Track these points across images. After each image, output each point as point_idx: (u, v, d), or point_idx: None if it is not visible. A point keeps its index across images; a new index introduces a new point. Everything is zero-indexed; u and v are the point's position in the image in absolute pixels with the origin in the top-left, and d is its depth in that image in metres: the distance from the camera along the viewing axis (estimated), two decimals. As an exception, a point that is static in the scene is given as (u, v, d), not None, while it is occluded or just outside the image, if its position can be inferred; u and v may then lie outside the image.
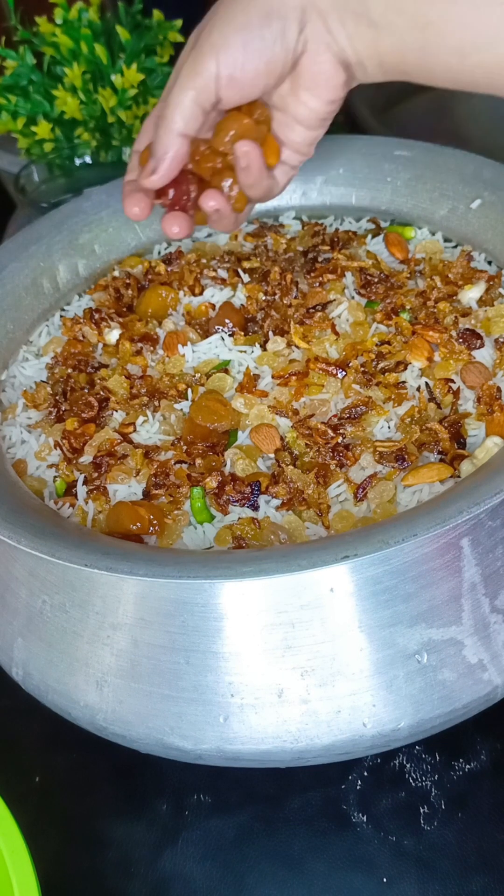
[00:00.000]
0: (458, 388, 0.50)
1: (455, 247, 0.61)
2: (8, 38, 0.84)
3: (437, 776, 0.50)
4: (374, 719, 0.42)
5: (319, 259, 0.61)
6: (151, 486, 0.47)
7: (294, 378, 0.51)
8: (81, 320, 0.59)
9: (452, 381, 0.50)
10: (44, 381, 0.56)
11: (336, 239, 0.62)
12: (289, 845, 0.49)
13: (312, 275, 0.58)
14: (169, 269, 0.62)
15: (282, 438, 0.48)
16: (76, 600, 0.44)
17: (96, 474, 0.48)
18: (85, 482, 0.48)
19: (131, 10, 0.84)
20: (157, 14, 0.83)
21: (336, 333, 0.53)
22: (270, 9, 0.43)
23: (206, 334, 0.56)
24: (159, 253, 0.67)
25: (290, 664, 0.41)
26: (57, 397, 0.54)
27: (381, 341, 0.52)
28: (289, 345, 0.53)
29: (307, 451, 0.47)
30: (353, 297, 0.56)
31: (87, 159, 0.82)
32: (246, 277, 0.60)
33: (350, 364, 0.51)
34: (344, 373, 0.50)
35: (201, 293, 0.60)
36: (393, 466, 0.45)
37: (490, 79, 0.43)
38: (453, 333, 0.52)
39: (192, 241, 0.67)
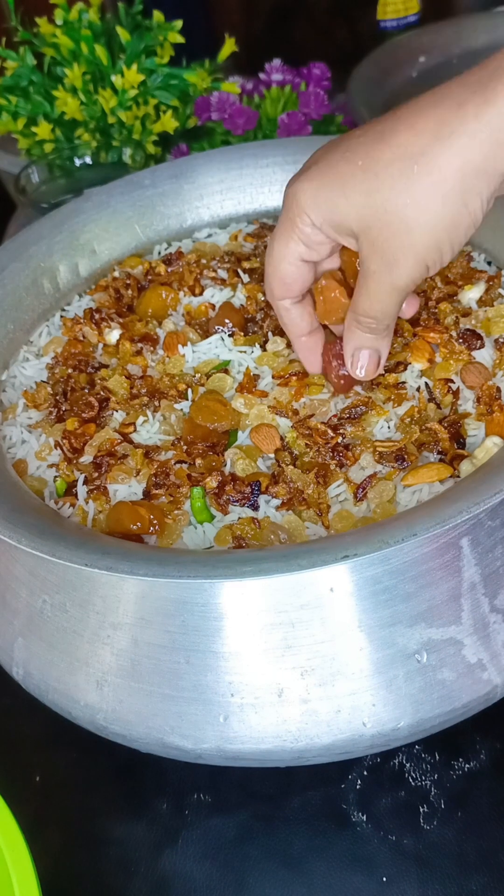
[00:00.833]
0: (458, 388, 0.50)
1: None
2: (8, 39, 0.84)
3: (436, 775, 0.50)
4: (373, 719, 0.42)
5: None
6: (152, 485, 0.47)
7: (294, 378, 0.51)
8: (82, 320, 0.59)
9: (452, 381, 0.50)
10: (44, 382, 0.56)
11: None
12: (289, 844, 0.49)
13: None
14: (169, 269, 0.62)
15: (282, 438, 0.48)
16: (76, 600, 0.45)
17: (96, 474, 0.48)
18: (85, 482, 0.48)
19: (131, 11, 0.84)
20: (157, 15, 0.83)
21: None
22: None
23: (206, 334, 0.56)
24: (159, 253, 0.67)
25: (290, 664, 0.41)
26: (57, 397, 0.54)
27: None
28: (288, 345, 0.53)
29: (307, 451, 0.47)
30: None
31: (88, 160, 0.82)
32: (246, 278, 0.60)
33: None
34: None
35: (201, 293, 0.60)
36: (393, 466, 0.46)
37: None
38: (453, 334, 0.52)
39: (192, 241, 0.67)
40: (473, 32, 1.00)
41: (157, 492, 0.47)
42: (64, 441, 0.50)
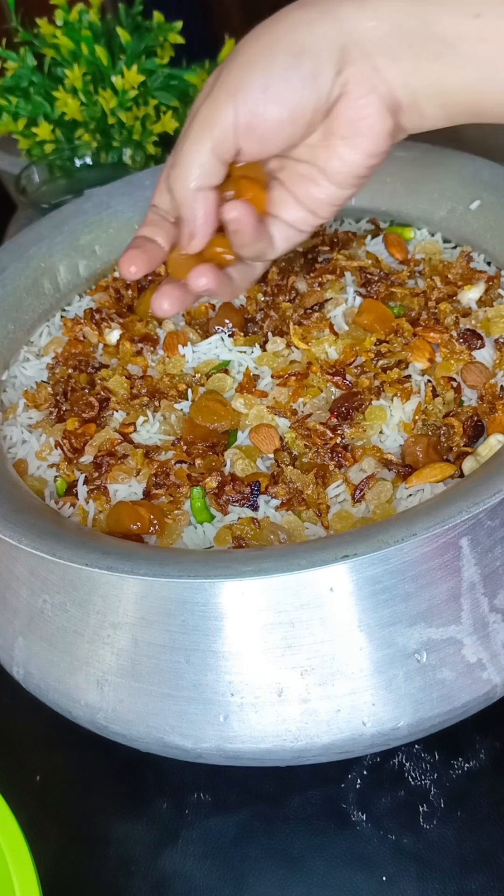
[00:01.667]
0: (459, 387, 0.50)
1: (454, 247, 0.62)
2: (9, 40, 0.84)
3: (436, 775, 0.50)
4: (373, 718, 0.42)
5: (319, 259, 0.61)
6: (152, 485, 0.47)
7: (293, 378, 0.51)
8: (82, 321, 0.59)
9: (454, 379, 0.50)
10: (44, 382, 0.56)
11: (336, 239, 0.62)
12: (289, 844, 0.49)
13: (312, 275, 0.59)
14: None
15: (281, 439, 0.48)
16: (77, 599, 0.45)
17: (97, 474, 0.48)
18: (85, 482, 0.48)
19: (131, 12, 0.84)
20: (157, 16, 0.83)
21: (335, 333, 0.53)
22: (300, 47, 0.37)
23: (206, 334, 0.56)
24: (159, 254, 0.67)
25: (290, 663, 0.42)
26: (58, 397, 0.54)
27: (379, 340, 0.52)
28: (288, 345, 0.54)
29: (306, 452, 0.47)
30: (354, 297, 0.57)
31: (88, 160, 0.82)
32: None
33: (350, 363, 0.51)
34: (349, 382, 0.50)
35: (201, 293, 0.60)
36: (399, 472, 0.46)
37: None
38: (454, 334, 0.52)
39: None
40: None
41: (157, 492, 0.47)
42: (64, 441, 0.51)
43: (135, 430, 0.51)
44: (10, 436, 0.53)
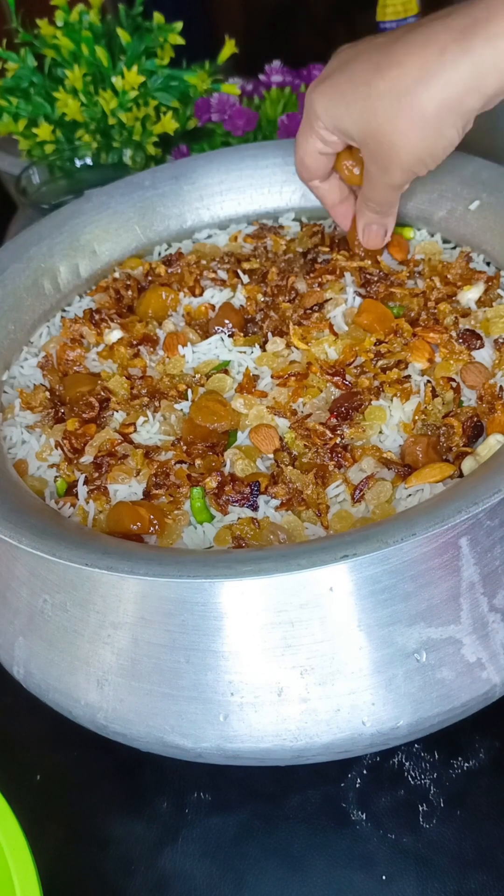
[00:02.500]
0: (458, 387, 0.50)
1: (454, 248, 0.62)
2: (9, 41, 0.84)
3: (435, 774, 0.50)
4: (373, 718, 0.42)
5: (319, 260, 0.61)
6: (152, 486, 0.47)
7: (293, 378, 0.51)
8: (80, 319, 0.59)
9: (453, 379, 0.50)
10: (42, 385, 0.56)
11: (336, 239, 0.62)
12: (288, 843, 0.49)
13: (312, 276, 0.59)
14: (169, 270, 0.62)
15: (281, 439, 0.48)
16: (77, 599, 0.45)
17: (97, 474, 0.48)
18: (86, 482, 0.48)
19: (132, 13, 0.84)
20: (157, 16, 0.83)
21: (334, 334, 0.54)
22: (445, 123, 0.46)
23: (205, 335, 0.56)
24: (160, 254, 0.67)
25: (290, 663, 0.42)
26: (55, 401, 0.54)
27: (379, 340, 0.52)
28: (288, 345, 0.54)
29: (306, 452, 0.47)
30: (354, 297, 0.57)
31: (88, 161, 0.83)
32: (245, 278, 0.60)
33: (350, 363, 0.51)
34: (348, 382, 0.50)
35: (201, 294, 0.60)
36: (398, 471, 0.46)
37: None
38: (453, 334, 0.52)
39: (192, 242, 0.67)
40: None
41: (157, 492, 0.47)
42: (64, 441, 0.51)
43: (135, 431, 0.51)
44: (10, 436, 0.53)
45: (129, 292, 0.61)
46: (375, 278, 0.57)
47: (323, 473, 0.46)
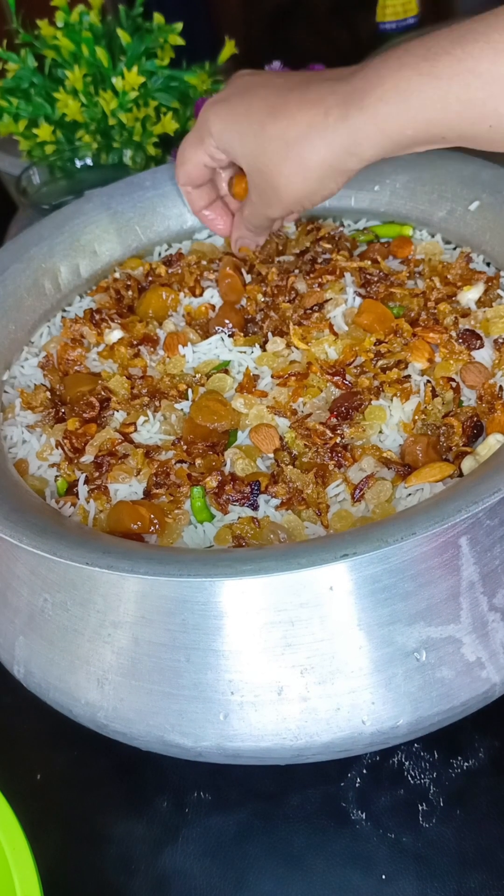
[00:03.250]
0: (458, 387, 0.50)
1: (454, 248, 0.62)
2: (10, 41, 0.84)
3: (435, 774, 0.50)
4: (373, 717, 0.42)
5: (318, 260, 0.61)
6: (152, 485, 0.47)
7: (293, 378, 0.51)
8: (80, 319, 0.59)
9: (453, 379, 0.50)
10: (43, 384, 0.56)
11: (336, 237, 0.63)
12: (288, 842, 0.49)
13: (312, 276, 0.59)
14: (170, 270, 0.63)
15: (281, 438, 0.48)
16: (77, 599, 0.45)
17: (97, 474, 0.48)
18: (86, 481, 0.48)
19: (132, 14, 0.84)
20: (157, 17, 0.84)
21: (334, 334, 0.54)
22: (323, 171, 0.50)
23: (206, 335, 0.56)
24: (160, 255, 0.67)
25: (290, 662, 0.42)
26: (55, 399, 0.54)
27: (379, 340, 0.53)
28: (288, 345, 0.54)
29: (306, 452, 0.48)
30: (354, 297, 0.57)
31: (89, 161, 0.83)
32: (248, 278, 0.60)
33: (350, 363, 0.51)
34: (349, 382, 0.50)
35: (201, 294, 0.60)
36: (398, 471, 0.46)
37: None
38: (453, 334, 0.52)
39: (192, 242, 0.68)
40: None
41: (157, 491, 0.47)
42: (65, 441, 0.51)
43: (135, 430, 0.51)
44: (10, 436, 0.53)
45: (130, 292, 0.61)
46: (375, 278, 0.57)
47: (323, 473, 0.46)
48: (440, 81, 0.44)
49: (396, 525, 0.38)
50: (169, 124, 0.83)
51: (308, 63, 0.90)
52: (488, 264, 0.59)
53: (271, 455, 0.48)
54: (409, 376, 0.50)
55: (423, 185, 0.63)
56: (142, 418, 0.51)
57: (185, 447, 0.49)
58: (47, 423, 0.53)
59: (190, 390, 0.52)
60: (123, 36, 0.80)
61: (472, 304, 0.55)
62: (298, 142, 0.49)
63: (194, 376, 0.54)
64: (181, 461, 0.48)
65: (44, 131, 0.81)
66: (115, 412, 0.52)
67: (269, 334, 0.55)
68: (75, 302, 0.63)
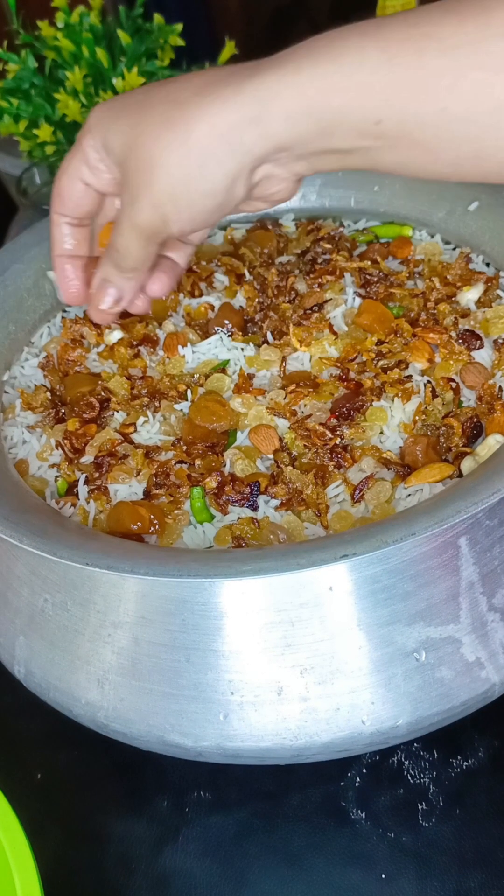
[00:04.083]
0: (458, 387, 0.50)
1: (454, 249, 0.62)
2: (10, 42, 0.84)
3: (435, 773, 0.51)
4: (372, 717, 0.42)
5: (318, 261, 0.61)
6: (152, 485, 0.47)
7: (302, 386, 0.51)
8: (81, 320, 0.59)
9: (453, 379, 0.50)
10: (43, 385, 0.56)
11: (335, 237, 0.63)
12: (288, 841, 0.49)
13: (311, 276, 0.59)
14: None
15: (280, 439, 0.48)
16: (77, 599, 0.45)
17: (97, 474, 0.49)
18: (86, 482, 0.48)
19: (132, 14, 0.84)
20: (157, 18, 0.84)
21: (334, 334, 0.54)
22: (220, 172, 0.38)
23: (205, 335, 0.57)
24: (160, 255, 0.67)
25: (290, 662, 0.42)
26: (55, 400, 0.54)
27: (380, 341, 0.53)
28: (284, 359, 0.53)
29: (305, 452, 0.48)
30: (354, 298, 0.57)
31: (89, 162, 0.83)
32: (247, 275, 0.60)
33: (352, 359, 0.51)
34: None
35: (201, 295, 0.60)
36: (398, 472, 0.46)
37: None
38: (453, 334, 0.52)
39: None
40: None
41: (157, 492, 0.47)
42: (65, 441, 0.51)
43: (135, 431, 0.51)
44: (11, 436, 0.53)
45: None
46: (375, 279, 0.57)
47: (323, 474, 0.46)
48: (387, 44, 0.34)
49: (396, 525, 0.38)
50: (169, 125, 0.83)
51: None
52: (488, 264, 0.59)
53: (271, 456, 0.48)
54: (410, 376, 0.50)
55: (422, 186, 0.63)
56: (142, 419, 0.51)
57: (184, 448, 0.49)
58: (47, 423, 0.53)
59: (189, 391, 0.52)
60: (123, 37, 0.80)
61: (471, 305, 0.55)
62: (188, 102, 0.37)
63: (193, 377, 0.54)
64: (181, 462, 0.48)
65: (44, 132, 0.82)
66: (115, 413, 0.52)
67: (269, 334, 0.55)
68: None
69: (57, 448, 0.51)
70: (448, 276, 0.57)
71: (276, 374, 0.53)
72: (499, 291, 0.56)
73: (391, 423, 0.49)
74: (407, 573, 0.42)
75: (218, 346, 0.55)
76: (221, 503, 0.45)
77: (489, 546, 0.43)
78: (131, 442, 0.50)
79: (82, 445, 0.50)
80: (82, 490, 0.48)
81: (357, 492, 0.45)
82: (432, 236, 0.63)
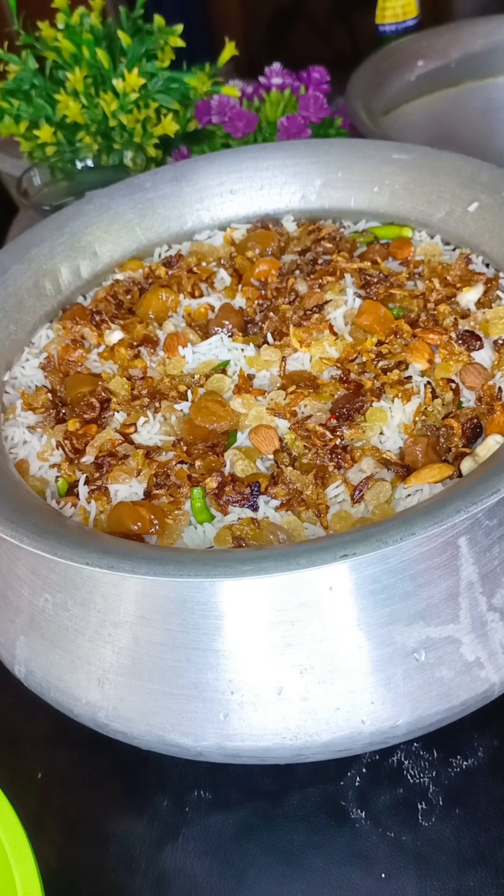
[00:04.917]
0: (458, 388, 0.50)
1: (453, 249, 0.62)
2: (11, 43, 0.84)
3: (434, 773, 0.51)
4: (372, 716, 0.42)
5: (319, 261, 0.61)
6: (152, 486, 0.47)
7: (302, 388, 0.51)
8: (80, 321, 0.59)
9: (453, 380, 0.50)
10: (44, 386, 0.56)
11: (337, 237, 0.63)
12: (288, 841, 0.49)
13: (312, 277, 0.59)
14: (169, 272, 0.63)
15: (281, 440, 0.48)
16: (78, 599, 0.45)
17: (98, 474, 0.49)
18: (86, 482, 0.48)
19: (132, 15, 0.84)
20: (157, 19, 0.84)
21: (334, 334, 0.54)
22: None
23: (205, 336, 0.57)
24: (160, 255, 0.67)
25: (290, 662, 0.42)
26: (56, 400, 0.54)
27: (380, 341, 0.53)
28: (283, 359, 0.53)
29: (305, 453, 0.48)
30: (354, 298, 0.57)
31: (89, 162, 0.83)
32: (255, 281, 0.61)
33: (352, 360, 0.51)
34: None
35: (201, 295, 0.60)
36: (397, 472, 0.46)
37: None
38: (453, 335, 0.52)
39: (192, 243, 0.68)
40: (471, 37, 1.00)
41: (157, 492, 0.47)
42: (65, 441, 0.51)
43: (135, 431, 0.51)
44: (11, 436, 0.53)
45: (129, 296, 0.62)
46: (375, 280, 0.58)
47: (323, 474, 0.46)
48: None
49: (396, 526, 0.38)
50: (169, 126, 0.83)
51: (308, 65, 0.90)
52: (487, 265, 0.59)
53: (271, 456, 0.48)
54: (410, 377, 0.51)
55: (422, 187, 0.63)
56: (142, 419, 0.51)
57: (185, 448, 0.49)
58: (48, 423, 0.53)
59: (189, 391, 0.52)
60: (124, 38, 0.80)
61: (471, 306, 0.55)
62: None
63: (193, 377, 0.54)
64: (181, 462, 0.48)
65: (45, 133, 0.82)
66: (116, 413, 0.52)
67: (269, 335, 0.55)
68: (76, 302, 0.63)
69: (57, 448, 0.51)
70: (448, 277, 0.57)
71: (277, 374, 0.53)
72: (498, 292, 0.56)
73: (391, 423, 0.49)
74: (407, 573, 0.42)
75: (218, 347, 0.55)
76: (222, 503, 0.46)
77: (489, 546, 0.44)
78: (132, 442, 0.50)
79: (83, 446, 0.50)
80: (83, 490, 0.48)
81: (357, 492, 0.45)
82: (432, 237, 0.63)
